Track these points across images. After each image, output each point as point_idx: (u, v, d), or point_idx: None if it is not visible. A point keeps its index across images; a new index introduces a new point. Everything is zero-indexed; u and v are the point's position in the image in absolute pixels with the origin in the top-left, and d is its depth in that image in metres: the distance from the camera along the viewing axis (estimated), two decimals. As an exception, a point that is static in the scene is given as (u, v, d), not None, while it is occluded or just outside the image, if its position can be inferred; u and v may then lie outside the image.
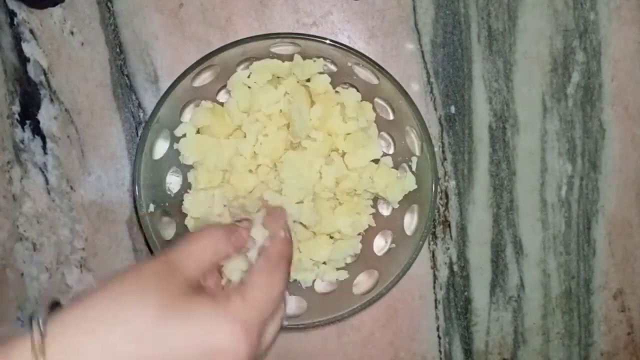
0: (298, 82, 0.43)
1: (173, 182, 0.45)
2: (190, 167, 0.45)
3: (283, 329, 0.34)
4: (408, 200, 0.44)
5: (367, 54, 0.41)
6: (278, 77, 0.44)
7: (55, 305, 0.29)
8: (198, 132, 0.44)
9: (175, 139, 0.44)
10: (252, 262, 0.32)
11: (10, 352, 0.26)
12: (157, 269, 0.29)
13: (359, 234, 0.46)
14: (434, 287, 0.51)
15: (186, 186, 0.45)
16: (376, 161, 0.45)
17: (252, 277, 0.31)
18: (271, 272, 0.32)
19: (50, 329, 0.26)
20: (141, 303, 0.27)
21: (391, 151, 0.47)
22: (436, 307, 0.51)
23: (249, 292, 0.30)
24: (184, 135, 0.44)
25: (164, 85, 0.47)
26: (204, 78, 0.44)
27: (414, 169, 0.44)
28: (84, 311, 0.27)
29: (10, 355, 0.26)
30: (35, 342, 0.26)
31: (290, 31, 0.48)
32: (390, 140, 0.47)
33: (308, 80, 0.44)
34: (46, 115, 0.48)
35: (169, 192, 0.45)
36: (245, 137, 0.44)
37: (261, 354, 0.31)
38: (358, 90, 0.44)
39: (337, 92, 0.44)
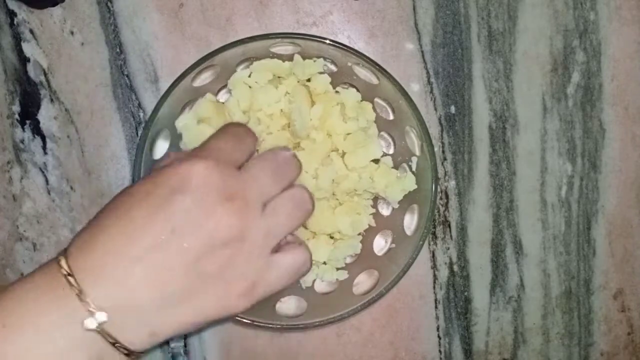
0: (298, 82, 0.43)
1: (173, 182, 0.45)
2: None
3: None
4: (408, 200, 0.44)
5: (367, 54, 0.41)
6: (279, 77, 0.44)
7: None
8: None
9: (175, 139, 0.44)
10: None
11: (39, 272, 0.28)
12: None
13: (359, 234, 0.46)
14: (434, 287, 0.51)
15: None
16: (376, 161, 0.45)
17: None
18: (225, 127, 0.33)
19: (72, 251, 0.28)
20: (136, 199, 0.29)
21: (391, 151, 0.47)
22: (436, 307, 0.51)
23: (202, 143, 0.31)
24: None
25: (164, 85, 0.47)
26: (204, 78, 0.44)
27: (414, 168, 0.44)
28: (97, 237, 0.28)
29: (40, 274, 0.28)
30: (62, 262, 0.27)
31: (290, 31, 0.48)
32: (390, 140, 0.47)
33: (308, 80, 0.44)
34: (46, 115, 0.48)
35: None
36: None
37: (250, 189, 0.30)
38: (358, 90, 0.44)
39: (337, 92, 0.44)
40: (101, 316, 0.26)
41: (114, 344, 0.27)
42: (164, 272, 0.27)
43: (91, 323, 0.26)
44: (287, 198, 0.31)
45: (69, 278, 0.26)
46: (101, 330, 0.26)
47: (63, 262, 0.27)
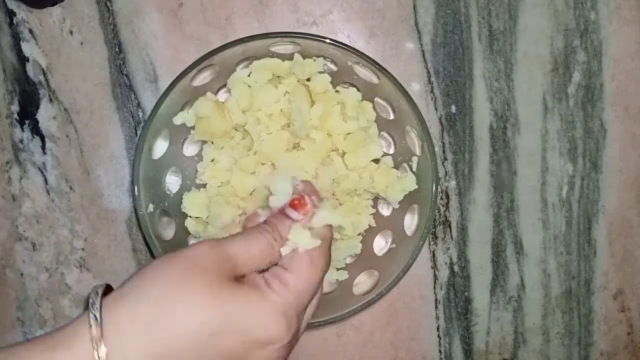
0: (298, 81, 0.43)
1: (172, 182, 0.45)
2: (193, 159, 0.45)
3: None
4: (408, 200, 0.44)
5: (367, 53, 0.41)
6: (279, 77, 0.44)
7: (108, 289, 0.29)
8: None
9: (174, 139, 0.44)
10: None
11: (70, 340, 0.27)
12: (211, 255, 0.30)
13: (359, 234, 0.45)
14: (434, 287, 0.51)
15: (185, 186, 0.45)
16: (376, 161, 0.45)
17: (294, 263, 0.31)
18: (312, 258, 0.32)
19: (106, 316, 0.27)
20: (186, 295, 0.28)
21: (391, 151, 0.46)
22: (436, 307, 0.51)
23: (292, 279, 0.31)
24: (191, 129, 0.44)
25: (164, 84, 0.47)
26: (204, 77, 0.43)
27: (414, 168, 0.44)
28: (137, 295, 0.28)
29: (71, 344, 0.26)
30: (94, 331, 0.26)
31: (290, 30, 0.48)
32: (391, 140, 0.47)
33: (308, 79, 0.44)
34: (45, 115, 0.48)
35: (168, 192, 0.45)
36: (243, 137, 0.44)
37: (298, 337, 0.32)
38: (358, 90, 0.44)
39: (337, 91, 0.44)
40: None
41: None
42: None
43: None
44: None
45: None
46: None
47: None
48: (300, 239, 0.33)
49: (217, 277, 0.29)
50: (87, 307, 0.27)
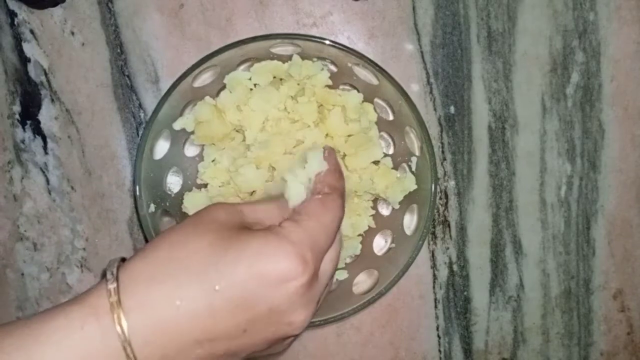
0: (299, 83, 0.44)
1: (173, 182, 0.45)
2: (194, 159, 0.45)
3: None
4: (408, 200, 0.44)
5: (367, 55, 0.41)
6: (281, 79, 0.44)
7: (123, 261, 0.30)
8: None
9: (176, 139, 0.44)
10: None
11: (88, 300, 0.27)
12: (218, 211, 0.30)
13: (359, 235, 0.46)
14: (434, 287, 0.51)
15: (186, 186, 0.45)
16: (376, 162, 0.45)
17: (305, 207, 0.31)
18: (324, 201, 0.31)
19: (122, 280, 0.27)
20: (197, 242, 0.28)
21: (391, 151, 0.47)
22: (436, 307, 0.51)
23: (303, 220, 0.30)
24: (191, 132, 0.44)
25: (165, 85, 0.48)
26: (205, 78, 0.44)
27: (413, 169, 0.44)
28: (150, 261, 0.28)
29: (89, 304, 0.26)
30: (112, 292, 0.26)
31: (290, 32, 0.48)
32: (390, 140, 0.47)
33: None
34: (47, 115, 0.48)
35: (169, 192, 0.45)
36: (244, 139, 0.44)
37: (321, 291, 0.31)
38: (359, 91, 0.44)
39: (339, 95, 0.44)
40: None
41: None
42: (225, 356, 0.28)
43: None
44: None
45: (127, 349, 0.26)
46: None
47: (122, 325, 0.26)
48: (315, 165, 0.33)
49: (224, 224, 0.29)
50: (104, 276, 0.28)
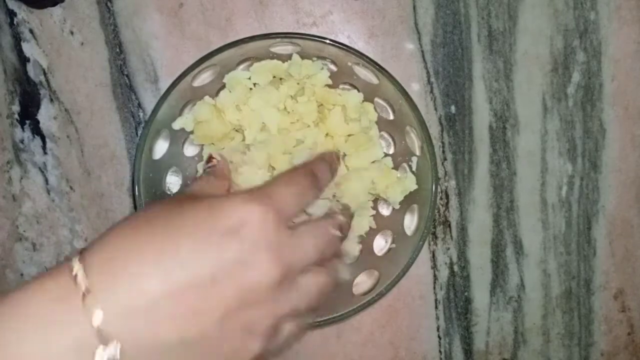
0: (298, 83, 0.43)
1: (173, 182, 0.45)
2: (193, 159, 0.45)
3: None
4: (408, 200, 0.44)
5: (367, 54, 0.41)
6: (280, 79, 0.44)
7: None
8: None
9: (175, 139, 0.44)
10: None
11: (52, 274, 0.25)
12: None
13: (360, 236, 0.45)
14: (434, 287, 0.51)
15: (186, 186, 0.45)
16: (376, 161, 0.45)
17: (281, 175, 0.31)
18: (297, 170, 0.32)
19: (87, 265, 0.25)
20: (153, 209, 0.28)
21: (391, 151, 0.46)
22: (436, 307, 0.51)
23: (269, 183, 0.30)
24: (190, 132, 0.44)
25: (164, 85, 0.47)
26: (204, 78, 0.44)
27: (414, 168, 0.44)
28: (111, 238, 0.26)
29: (52, 276, 0.25)
30: (79, 278, 0.25)
31: (290, 31, 0.48)
32: (391, 140, 0.47)
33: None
34: (46, 115, 0.48)
35: (168, 192, 0.45)
36: (244, 139, 0.44)
37: (294, 265, 0.29)
38: (359, 91, 0.44)
39: (339, 94, 0.44)
40: (113, 349, 0.24)
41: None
42: (193, 317, 0.25)
43: (101, 355, 0.24)
44: (323, 277, 0.31)
45: (88, 299, 0.24)
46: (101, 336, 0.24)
47: (81, 276, 0.25)
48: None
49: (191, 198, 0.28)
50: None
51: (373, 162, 0.44)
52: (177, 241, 0.26)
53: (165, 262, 0.25)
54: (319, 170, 0.34)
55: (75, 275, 0.25)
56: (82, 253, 0.26)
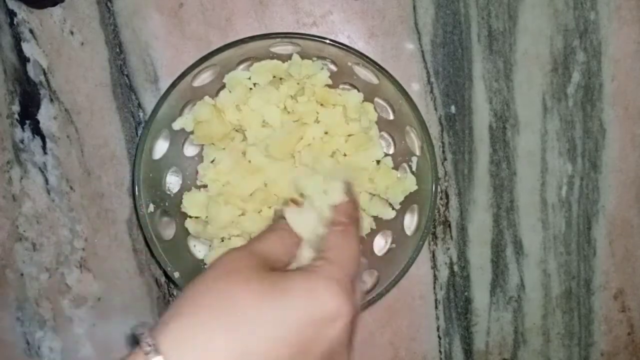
0: (298, 83, 0.43)
1: (173, 182, 0.45)
2: (193, 159, 0.45)
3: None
4: (408, 200, 0.44)
5: (367, 54, 0.41)
6: (281, 79, 0.44)
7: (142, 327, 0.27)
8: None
9: (175, 139, 0.44)
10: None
11: None
12: (242, 258, 0.29)
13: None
14: (434, 287, 0.51)
15: (186, 186, 0.45)
16: (377, 162, 0.45)
17: (328, 241, 0.31)
18: (345, 233, 0.32)
19: (165, 351, 0.25)
20: (240, 289, 0.27)
21: (391, 151, 0.46)
22: (436, 307, 0.51)
23: (331, 254, 0.30)
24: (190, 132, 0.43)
25: (164, 85, 0.47)
26: (204, 78, 0.44)
27: (414, 169, 0.44)
28: (187, 319, 0.26)
29: None
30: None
31: (290, 31, 0.48)
32: (391, 140, 0.47)
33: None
34: (46, 115, 0.48)
35: (168, 192, 0.45)
36: (243, 139, 0.44)
37: (358, 312, 0.30)
38: (359, 91, 0.44)
39: (339, 94, 0.44)
40: None
41: None
42: None
43: None
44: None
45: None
46: None
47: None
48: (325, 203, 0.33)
49: (256, 269, 0.28)
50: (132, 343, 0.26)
51: (373, 161, 0.44)
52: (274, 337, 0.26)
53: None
54: (359, 228, 0.34)
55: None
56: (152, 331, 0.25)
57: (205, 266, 0.44)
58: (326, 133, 0.44)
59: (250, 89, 0.44)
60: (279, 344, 0.26)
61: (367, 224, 0.45)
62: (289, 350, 0.26)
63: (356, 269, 0.31)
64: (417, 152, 0.44)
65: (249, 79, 0.43)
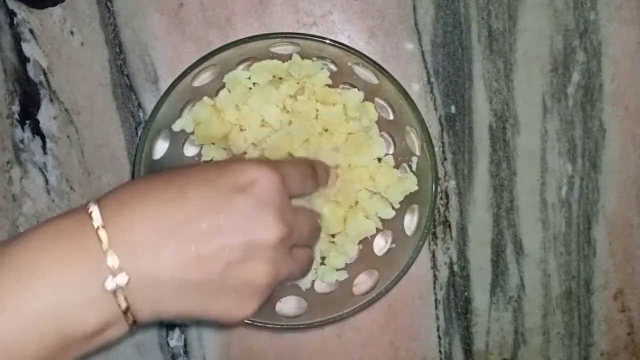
0: (298, 83, 0.43)
1: (173, 182, 0.45)
2: (193, 159, 0.45)
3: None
4: (408, 200, 0.44)
5: (367, 54, 0.41)
6: (280, 78, 0.44)
7: None
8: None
9: (175, 139, 0.44)
10: None
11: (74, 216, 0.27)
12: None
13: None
14: (434, 287, 0.51)
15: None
16: (378, 160, 0.45)
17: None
18: (301, 165, 0.35)
19: (104, 214, 0.27)
20: (184, 172, 0.30)
21: (391, 151, 0.47)
22: (436, 307, 0.51)
23: (275, 162, 0.32)
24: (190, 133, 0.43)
25: (164, 85, 0.47)
26: (204, 78, 0.44)
27: (414, 169, 0.44)
28: (130, 190, 0.28)
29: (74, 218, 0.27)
30: (98, 227, 0.26)
31: (290, 31, 0.48)
32: (391, 140, 0.47)
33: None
34: (46, 115, 0.48)
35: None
36: (244, 139, 0.44)
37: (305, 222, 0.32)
38: (359, 90, 0.44)
39: (339, 94, 0.44)
40: (122, 279, 0.25)
41: (125, 311, 0.26)
42: (197, 261, 0.27)
43: (111, 284, 0.25)
44: (310, 254, 0.34)
45: (100, 232, 0.26)
46: (118, 295, 0.26)
47: (96, 213, 0.26)
48: None
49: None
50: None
51: (374, 159, 0.44)
52: (185, 191, 0.28)
53: (172, 208, 0.27)
54: (319, 167, 0.36)
55: (91, 213, 0.26)
56: (97, 199, 0.28)
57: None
58: (326, 130, 0.44)
59: (250, 88, 0.44)
60: (206, 203, 0.28)
61: (372, 227, 0.45)
62: (216, 212, 0.28)
63: (295, 183, 0.32)
64: (417, 152, 0.44)
65: (249, 78, 0.43)
